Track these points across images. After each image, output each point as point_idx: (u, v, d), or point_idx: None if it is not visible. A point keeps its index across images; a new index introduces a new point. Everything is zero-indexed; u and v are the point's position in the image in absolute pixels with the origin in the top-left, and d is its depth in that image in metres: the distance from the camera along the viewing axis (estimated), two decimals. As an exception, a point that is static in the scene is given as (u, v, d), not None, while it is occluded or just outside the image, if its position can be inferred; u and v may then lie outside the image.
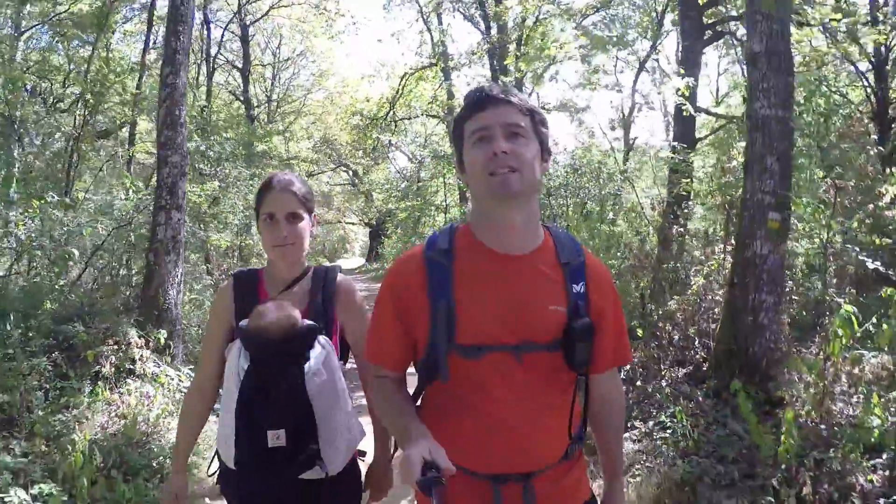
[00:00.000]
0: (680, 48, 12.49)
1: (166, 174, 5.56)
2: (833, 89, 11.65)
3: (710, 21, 12.85)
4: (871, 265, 4.64)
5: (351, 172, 30.89)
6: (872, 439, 3.74)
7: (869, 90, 9.71)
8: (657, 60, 16.94)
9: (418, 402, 1.70)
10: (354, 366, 2.12)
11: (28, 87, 11.36)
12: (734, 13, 12.44)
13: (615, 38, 13.52)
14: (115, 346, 4.76)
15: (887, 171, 6.48)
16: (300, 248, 2.06)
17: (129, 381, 4.76)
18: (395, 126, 23.13)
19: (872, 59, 9.66)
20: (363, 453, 2.11)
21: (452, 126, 1.67)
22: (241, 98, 19.93)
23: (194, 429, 2.13)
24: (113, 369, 4.68)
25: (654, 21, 15.08)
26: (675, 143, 8.65)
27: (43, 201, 6.41)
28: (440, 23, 20.29)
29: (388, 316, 1.65)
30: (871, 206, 6.14)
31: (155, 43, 12.52)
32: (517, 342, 1.55)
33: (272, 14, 21.43)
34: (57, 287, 5.70)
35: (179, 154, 5.66)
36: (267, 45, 25.25)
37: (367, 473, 2.16)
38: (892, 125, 9.35)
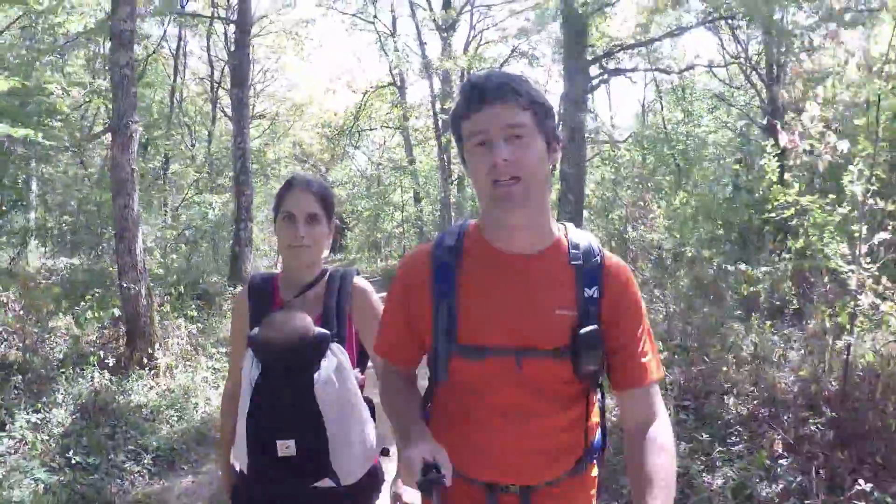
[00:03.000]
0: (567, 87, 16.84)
1: (243, 200, 9.78)
2: (736, 106, 16.29)
3: (600, 68, 17.25)
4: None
5: (315, 171, 34.74)
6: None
7: (762, 102, 14.08)
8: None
9: (429, 401, 1.67)
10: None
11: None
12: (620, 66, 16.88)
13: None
14: (230, 295, 8.98)
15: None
16: (317, 250, 2.03)
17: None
18: (359, 136, 27.23)
19: (765, 80, 14.05)
20: (387, 451, 2.03)
21: (451, 121, 1.57)
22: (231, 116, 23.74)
23: (233, 435, 2.06)
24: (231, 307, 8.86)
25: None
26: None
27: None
28: (396, 49, 24.37)
29: (397, 312, 1.64)
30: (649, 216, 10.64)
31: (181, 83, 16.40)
32: (518, 346, 1.47)
33: (253, 41, 25.21)
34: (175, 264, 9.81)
35: (250, 188, 9.85)
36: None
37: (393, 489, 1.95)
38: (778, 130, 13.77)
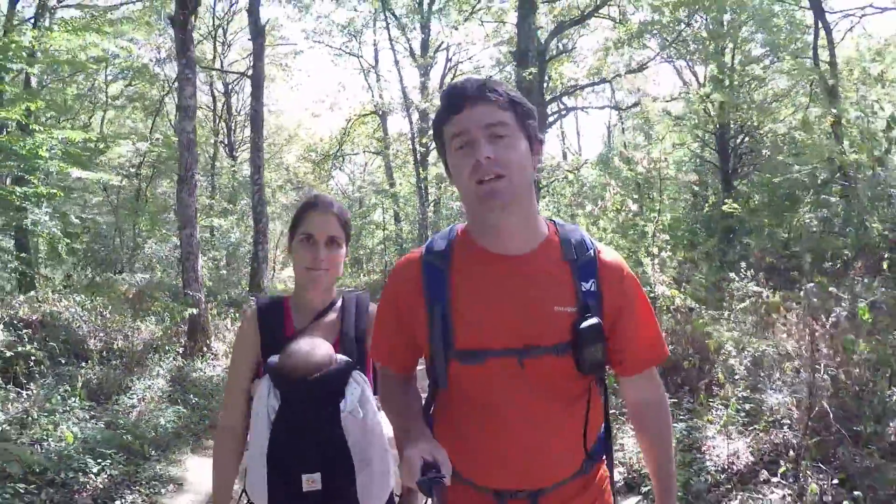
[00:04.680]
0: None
1: (261, 226, 12.02)
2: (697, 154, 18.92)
3: (560, 104, 19.76)
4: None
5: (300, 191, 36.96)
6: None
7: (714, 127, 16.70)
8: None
9: (431, 408, 1.66)
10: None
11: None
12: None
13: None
14: (252, 302, 11.25)
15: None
16: (334, 274, 2.01)
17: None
18: (343, 160, 29.56)
19: (716, 108, 16.65)
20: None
21: (432, 128, 1.60)
22: (225, 142, 25.87)
23: (231, 471, 2.04)
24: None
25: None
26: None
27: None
28: (378, 80, 26.74)
29: (389, 318, 1.64)
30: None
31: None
32: (520, 346, 1.47)
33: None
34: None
35: (265, 216, 12.11)
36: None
37: None
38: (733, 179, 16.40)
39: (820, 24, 13.99)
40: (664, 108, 21.03)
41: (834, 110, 13.28)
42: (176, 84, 20.10)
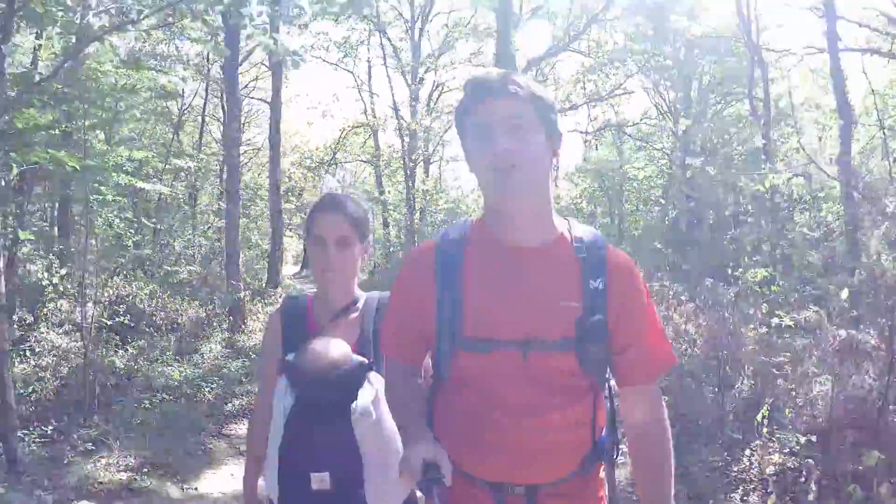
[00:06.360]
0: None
1: (278, 227, 14.42)
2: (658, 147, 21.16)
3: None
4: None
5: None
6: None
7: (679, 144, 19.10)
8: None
9: (433, 400, 1.66)
10: None
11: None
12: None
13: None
14: (271, 290, 13.63)
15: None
16: (350, 275, 2.04)
17: (279, 299, 13.52)
18: (336, 167, 31.88)
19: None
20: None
21: (455, 118, 1.63)
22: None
23: (257, 454, 2.08)
24: (278, 297, 13.46)
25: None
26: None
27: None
28: (371, 97, 28.98)
29: (401, 307, 1.66)
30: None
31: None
32: (524, 338, 1.50)
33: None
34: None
35: (281, 222, 14.52)
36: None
37: None
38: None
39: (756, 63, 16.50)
40: (634, 130, 23.49)
41: (759, 144, 15.86)
42: (195, 100, 22.56)
